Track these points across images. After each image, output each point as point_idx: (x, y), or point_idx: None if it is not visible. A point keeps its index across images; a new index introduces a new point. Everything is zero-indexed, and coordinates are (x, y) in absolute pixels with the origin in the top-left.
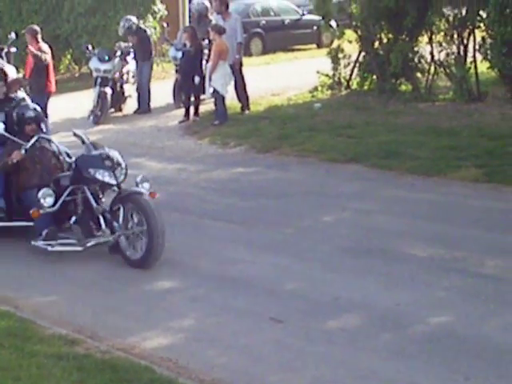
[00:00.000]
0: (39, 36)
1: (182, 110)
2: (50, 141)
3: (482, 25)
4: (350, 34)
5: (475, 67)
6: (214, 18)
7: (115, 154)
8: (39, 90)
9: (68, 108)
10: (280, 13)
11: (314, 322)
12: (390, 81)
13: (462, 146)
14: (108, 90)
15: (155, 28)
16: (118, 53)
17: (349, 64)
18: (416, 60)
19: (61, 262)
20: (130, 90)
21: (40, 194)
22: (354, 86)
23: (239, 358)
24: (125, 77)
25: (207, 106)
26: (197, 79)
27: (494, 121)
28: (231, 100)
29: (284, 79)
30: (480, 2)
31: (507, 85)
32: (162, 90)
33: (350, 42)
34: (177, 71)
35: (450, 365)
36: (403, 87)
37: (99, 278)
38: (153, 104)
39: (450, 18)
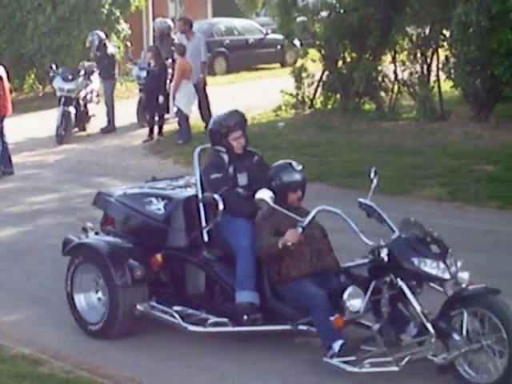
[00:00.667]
0: None
1: (146, 130)
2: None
3: (445, 44)
4: (313, 53)
5: (439, 86)
6: (177, 37)
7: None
8: None
9: (32, 127)
10: (244, 32)
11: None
12: (354, 100)
13: (425, 164)
14: (72, 110)
15: (119, 47)
16: (82, 72)
17: (312, 83)
18: (379, 79)
19: (24, 281)
20: (94, 109)
21: (346, 294)
22: (318, 105)
23: (204, 378)
24: (88, 96)
25: (171, 125)
26: (161, 98)
27: (457, 139)
28: (195, 119)
29: (248, 98)
30: (443, 22)
31: (470, 103)
32: (126, 109)
33: (314, 61)
34: (141, 90)
35: None
36: (367, 106)
37: (63, 298)
38: (117, 123)
39: (414, 37)
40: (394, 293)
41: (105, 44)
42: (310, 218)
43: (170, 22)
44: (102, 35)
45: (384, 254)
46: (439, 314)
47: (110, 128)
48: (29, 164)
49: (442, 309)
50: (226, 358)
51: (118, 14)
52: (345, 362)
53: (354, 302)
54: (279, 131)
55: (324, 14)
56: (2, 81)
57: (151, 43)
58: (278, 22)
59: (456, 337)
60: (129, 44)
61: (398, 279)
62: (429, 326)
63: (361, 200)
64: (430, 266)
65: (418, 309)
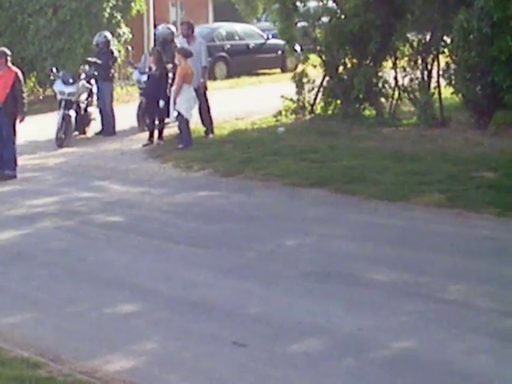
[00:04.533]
0: (9, 59)
1: (146, 134)
2: None
3: (446, 50)
4: (314, 58)
5: (439, 92)
6: (179, 41)
7: None
8: (12, 114)
9: (32, 130)
10: (245, 37)
11: (277, 345)
12: (354, 106)
13: (425, 170)
14: (72, 113)
15: (120, 51)
16: (83, 76)
17: (313, 88)
18: (380, 85)
19: (23, 284)
20: (95, 112)
21: None
22: (318, 110)
23: (202, 382)
24: (89, 99)
25: (171, 129)
26: (161, 103)
27: (457, 146)
28: (195, 124)
29: (248, 103)
30: (444, 28)
31: (471, 110)
32: (127, 113)
33: (315, 66)
34: (141, 94)
35: None
36: (367, 112)
37: (62, 302)
38: (117, 127)
39: (414, 44)
40: None
41: (108, 46)
42: None
43: (172, 28)
44: (110, 36)
45: None
46: None
47: (108, 132)
48: (29, 167)
49: None
50: (224, 363)
51: (119, 17)
52: None
53: None
54: (279, 136)
55: (325, 19)
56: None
57: (152, 47)
58: (279, 27)
59: None
60: (130, 48)
61: None
62: None
63: None
64: None
65: None
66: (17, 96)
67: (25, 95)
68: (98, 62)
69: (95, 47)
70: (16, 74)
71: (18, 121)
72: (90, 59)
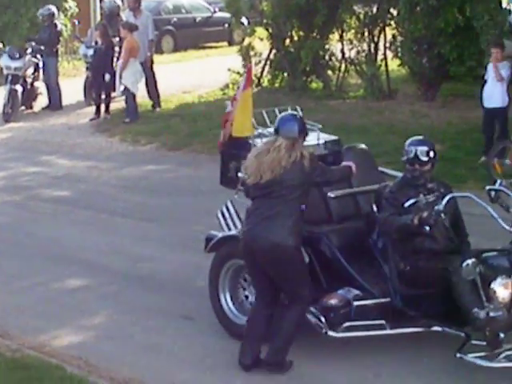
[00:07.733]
0: None
1: (93, 108)
2: None
3: (392, 22)
4: (261, 31)
5: (386, 65)
6: (125, 14)
7: None
8: None
9: None
10: (191, 10)
11: None
12: (301, 78)
13: (372, 143)
14: (19, 88)
15: (66, 25)
16: (29, 50)
17: (260, 61)
18: (327, 58)
19: None
20: (41, 87)
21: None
22: (265, 83)
23: (150, 356)
24: (35, 74)
25: (118, 103)
26: (107, 77)
27: (404, 118)
28: (142, 97)
29: (195, 77)
30: (390, 0)
31: (417, 82)
32: (73, 87)
33: (261, 39)
34: (87, 69)
35: None
36: (314, 85)
37: (9, 277)
38: (64, 101)
39: (361, 16)
40: None
41: (53, 20)
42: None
43: (118, 2)
44: (55, 10)
45: None
46: None
47: (54, 106)
48: None
49: None
50: (172, 337)
51: None
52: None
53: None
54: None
55: None
56: None
57: (98, 21)
58: (226, 0)
59: None
60: (76, 22)
61: None
62: None
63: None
64: None
65: None
66: None
67: None
68: (35, 39)
69: (40, 21)
70: None
71: None
72: (31, 37)
